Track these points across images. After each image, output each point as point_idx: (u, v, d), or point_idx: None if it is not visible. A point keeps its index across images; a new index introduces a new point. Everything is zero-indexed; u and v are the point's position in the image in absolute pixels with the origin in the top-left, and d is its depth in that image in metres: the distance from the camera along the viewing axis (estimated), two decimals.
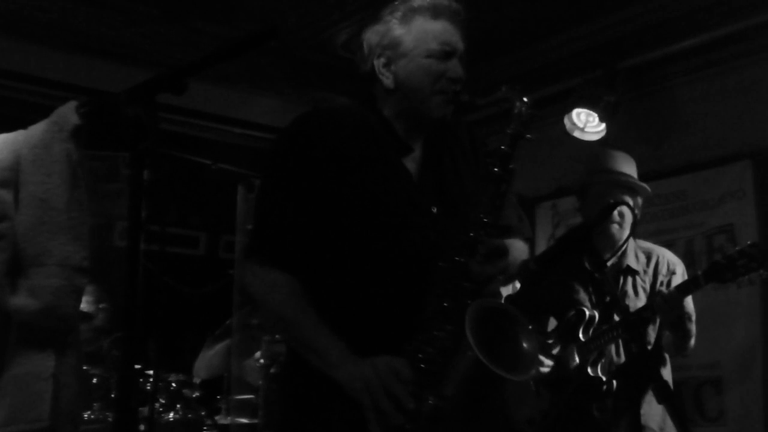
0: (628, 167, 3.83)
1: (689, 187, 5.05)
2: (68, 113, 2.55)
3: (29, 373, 2.46)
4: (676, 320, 3.46)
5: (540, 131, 2.29)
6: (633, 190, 3.74)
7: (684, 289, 3.39)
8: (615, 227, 3.62)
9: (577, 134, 5.17)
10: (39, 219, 2.48)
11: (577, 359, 3.54)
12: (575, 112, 5.15)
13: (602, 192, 3.71)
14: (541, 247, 5.32)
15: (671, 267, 3.70)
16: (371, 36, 2.28)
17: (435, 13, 2.24)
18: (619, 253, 3.65)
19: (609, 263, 3.52)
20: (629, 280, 3.67)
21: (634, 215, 3.57)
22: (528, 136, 2.15)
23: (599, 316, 3.59)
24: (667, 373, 3.69)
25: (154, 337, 4.72)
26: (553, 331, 3.75)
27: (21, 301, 2.47)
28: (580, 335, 3.57)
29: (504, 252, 2.09)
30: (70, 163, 2.53)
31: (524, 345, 2.00)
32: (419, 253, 2.13)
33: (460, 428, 1.99)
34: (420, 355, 2.00)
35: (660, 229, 5.10)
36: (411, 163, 2.27)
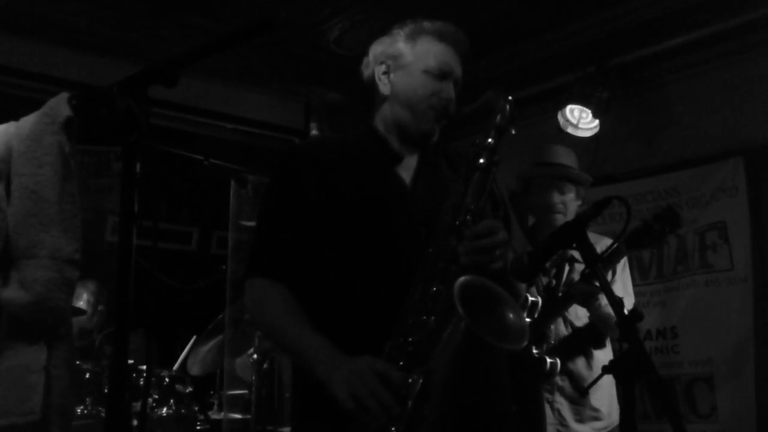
0: (568, 159, 3.94)
1: (681, 184, 5.05)
2: (60, 105, 2.54)
3: (21, 365, 2.45)
4: (586, 296, 3.56)
5: (533, 127, 2.32)
6: (574, 181, 3.85)
7: (608, 259, 3.52)
8: (559, 217, 3.76)
9: (570, 130, 5.17)
10: (30, 211, 2.47)
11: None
12: (568, 108, 5.15)
13: (544, 184, 3.84)
14: None
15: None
16: (377, 45, 2.45)
17: (441, 36, 2.39)
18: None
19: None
20: (575, 267, 3.77)
21: (628, 210, 3.63)
22: (513, 131, 2.23)
23: (543, 300, 3.67)
24: (603, 355, 3.75)
25: (145, 333, 4.71)
26: None
27: (12, 293, 2.45)
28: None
29: (491, 231, 2.12)
30: (62, 155, 2.52)
31: (510, 316, 2.03)
32: (408, 256, 2.18)
33: (453, 404, 2.00)
34: (409, 339, 2.03)
35: None
36: (405, 172, 2.37)
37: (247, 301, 2.31)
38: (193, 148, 5.47)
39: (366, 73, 2.45)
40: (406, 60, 2.38)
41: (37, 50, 4.99)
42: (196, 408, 5.08)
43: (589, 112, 5.04)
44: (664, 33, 4.87)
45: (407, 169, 2.38)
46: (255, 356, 5.03)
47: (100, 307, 5.20)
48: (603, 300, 3.55)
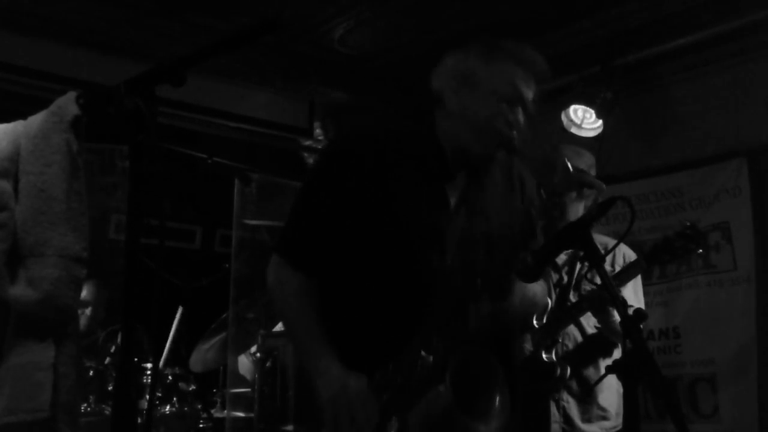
0: (581, 162, 3.88)
1: (685, 184, 5.06)
2: (68, 104, 2.53)
3: (29, 363, 2.45)
4: (599, 305, 3.54)
5: (537, 127, 2.33)
6: (585, 185, 3.80)
7: (626, 272, 3.55)
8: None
9: (574, 130, 5.17)
10: (38, 209, 2.47)
11: (531, 346, 3.65)
12: (572, 108, 5.16)
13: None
14: None
15: (627, 259, 3.76)
16: (452, 60, 2.35)
17: (520, 61, 2.30)
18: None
19: (568, 251, 3.66)
20: (586, 264, 3.74)
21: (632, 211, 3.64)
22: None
23: (554, 303, 3.67)
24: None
25: (148, 331, 4.71)
26: None
27: (20, 291, 2.45)
28: (534, 322, 3.65)
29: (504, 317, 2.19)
30: (70, 153, 2.52)
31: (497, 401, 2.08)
32: (433, 282, 2.19)
33: None
34: (398, 378, 2.06)
35: (655, 226, 5.11)
36: (454, 191, 2.32)
37: (269, 276, 2.30)
38: (197, 146, 5.46)
39: (435, 84, 2.35)
40: (478, 78, 2.28)
41: (44, 49, 5.00)
42: (199, 406, 5.09)
43: (593, 112, 5.05)
44: (668, 34, 4.88)
45: (455, 188, 2.33)
46: (258, 354, 5.03)
47: (87, 311, 5.19)
48: (616, 313, 3.56)
